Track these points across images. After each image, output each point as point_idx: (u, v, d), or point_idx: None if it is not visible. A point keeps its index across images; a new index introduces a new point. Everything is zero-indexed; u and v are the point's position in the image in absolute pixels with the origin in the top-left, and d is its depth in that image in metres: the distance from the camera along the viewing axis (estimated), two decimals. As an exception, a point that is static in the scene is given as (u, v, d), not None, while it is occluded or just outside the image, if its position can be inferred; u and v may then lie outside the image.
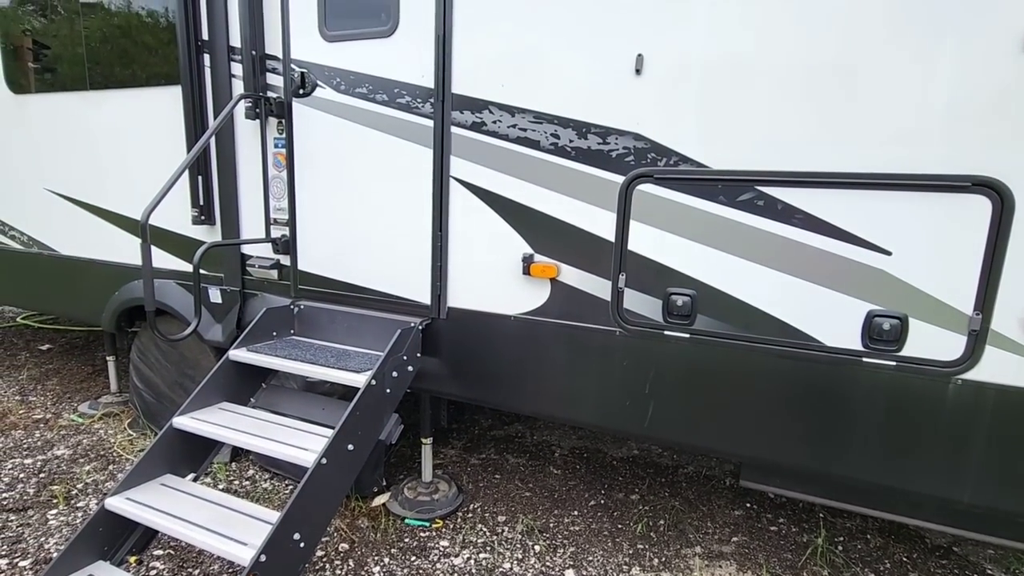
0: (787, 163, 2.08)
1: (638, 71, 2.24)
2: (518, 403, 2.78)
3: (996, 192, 1.83)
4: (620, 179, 2.33)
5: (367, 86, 2.76)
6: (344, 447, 2.33)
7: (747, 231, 2.16)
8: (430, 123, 2.65)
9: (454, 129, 2.62)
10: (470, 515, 3.18)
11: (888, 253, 1.98)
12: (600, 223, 2.40)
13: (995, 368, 1.90)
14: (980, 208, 1.85)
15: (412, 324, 2.75)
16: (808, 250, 2.08)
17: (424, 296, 2.82)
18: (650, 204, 2.30)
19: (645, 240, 2.33)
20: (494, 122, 2.53)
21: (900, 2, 1.88)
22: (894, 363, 2.02)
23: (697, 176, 2.21)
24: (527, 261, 2.54)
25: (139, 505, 2.31)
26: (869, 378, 2.07)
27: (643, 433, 2.49)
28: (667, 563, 2.81)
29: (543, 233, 2.52)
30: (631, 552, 2.89)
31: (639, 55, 2.22)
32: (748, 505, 3.33)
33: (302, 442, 2.37)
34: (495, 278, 2.65)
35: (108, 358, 4.54)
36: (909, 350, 2.00)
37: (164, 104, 3.28)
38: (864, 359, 2.06)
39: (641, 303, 2.38)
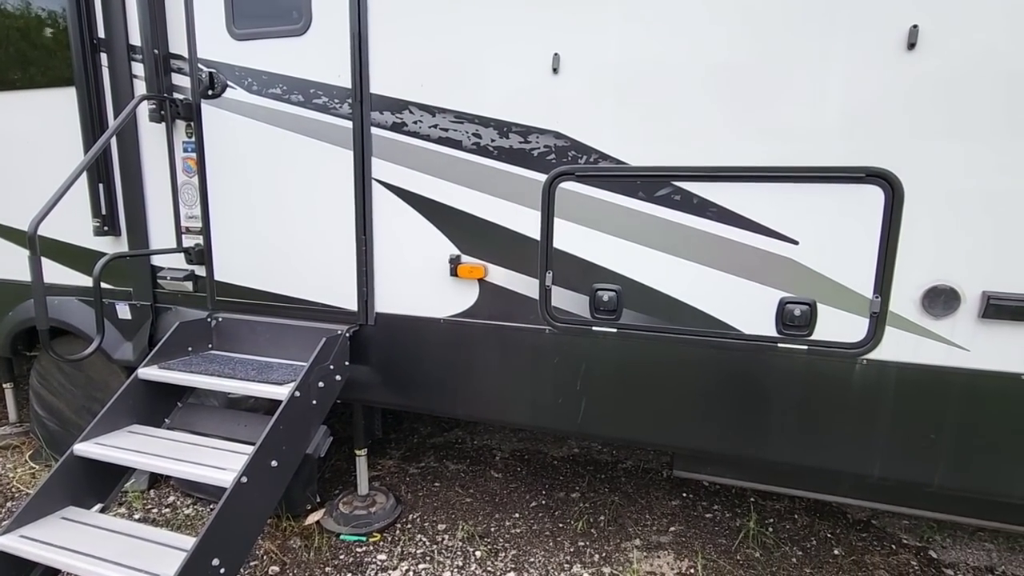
0: (701, 159, 2.14)
1: (555, 70, 2.25)
2: (452, 408, 2.73)
3: (888, 182, 1.95)
4: (543, 177, 2.34)
5: (281, 87, 2.65)
6: (267, 464, 2.20)
7: (666, 225, 2.21)
8: (349, 124, 2.57)
9: (374, 130, 2.55)
10: (409, 526, 3.10)
11: (796, 243, 2.07)
12: (525, 222, 2.39)
13: (895, 347, 2.02)
14: (874, 198, 1.97)
15: (339, 332, 2.65)
16: (723, 242, 2.15)
17: (350, 302, 2.73)
18: (573, 202, 2.31)
19: (570, 237, 2.34)
20: (415, 122, 2.48)
21: (796, 4, 1.97)
22: (806, 347, 2.12)
23: (616, 173, 2.25)
24: (454, 262, 2.51)
25: (35, 543, 2.10)
26: (784, 363, 2.16)
27: (577, 430, 2.50)
28: (607, 558, 2.83)
29: (469, 234, 2.49)
30: (572, 550, 2.89)
31: (555, 54, 2.24)
32: (684, 495, 3.42)
33: (220, 461, 2.23)
34: (423, 281, 2.60)
35: (4, 385, 4.15)
36: (819, 334, 2.10)
37: (60, 107, 3.03)
38: (779, 344, 2.15)
39: (569, 300, 2.39)
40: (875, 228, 1.98)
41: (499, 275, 2.48)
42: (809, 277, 2.08)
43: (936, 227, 1.93)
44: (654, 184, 2.20)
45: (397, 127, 2.51)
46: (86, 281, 3.21)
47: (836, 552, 2.89)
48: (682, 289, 2.24)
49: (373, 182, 2.59)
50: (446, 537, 3.00)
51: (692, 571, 2.73)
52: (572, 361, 2.44)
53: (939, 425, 2.02)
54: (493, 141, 2.38)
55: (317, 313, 2.79)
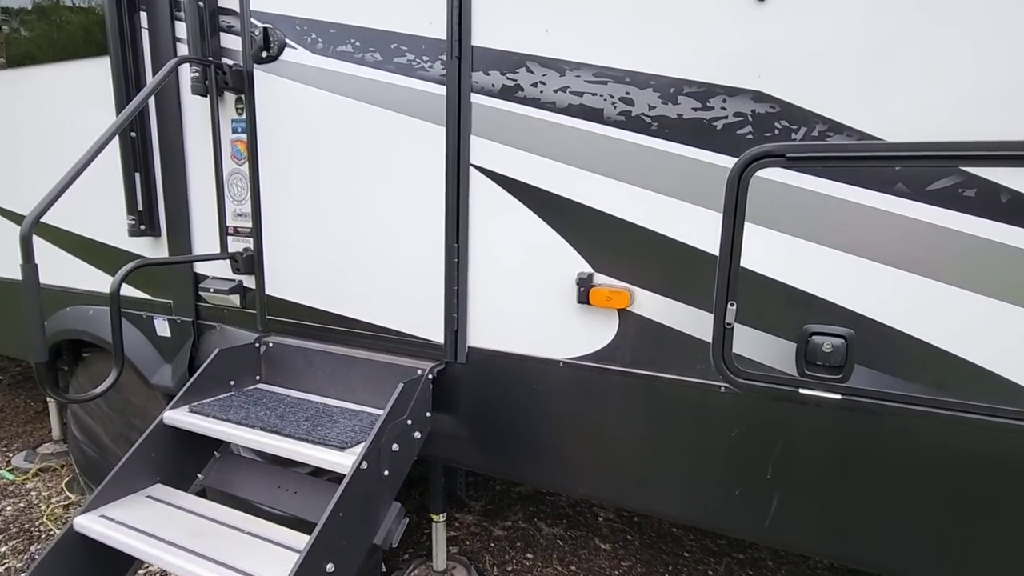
0: (1009, 133, 1.29)
1: (761, -5, 1.46)
2: (568, 483, 1.99)
3: None
4: (731, 162, 1.55)
5: (353, 42, 1.99)
6: (320, 569, 1.54)
7: (943, 238, 1.37)
8: (441, 90, 1.87)
9: (475, 98, 1.84)
10: (497, 616, 2.39)
11: None
12: (697, 228, 1.62)
13: None
14: None
15: (419, 371, 1.97)
16: (1058, 268, 1.29)
17: (435, 333, 2.04)
18: (778, 199, 1.51)
19: (769, 253, 1.54)
20: (534, 85, 1.75)
21: None
22: None
23: (859, 153, 1.43)
24: (585, 284, 1.76)
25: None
26: None
27: (762, 535, 1.70)
28: None
29: (609, 244, 1.73)
30: None
31: (764, -30, 1.45)
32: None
33: (256, 565, 1.58)
34: (536, 308, 1.87)
35: (48, 399, 3.76)
36: None
37: (100, 82, 2.51)
38: None
39: (761, 346, 1.59)
40: None
41: (650, 304, 1.72)
42: None
43: None
44: (928, 171, 1.37)
45: (508, 92, 1.79)
46: (129, 290, 2.69)
47: None
48: (966, 340, 1.39)
49: (471, 169, 1.89)
50: (547, 640, 2.26)
51: None
52: (762, 436, 1.64)
53: None
54: (653, 109, 1.62)
55: (392, 343, 2.12)
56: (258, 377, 2.35)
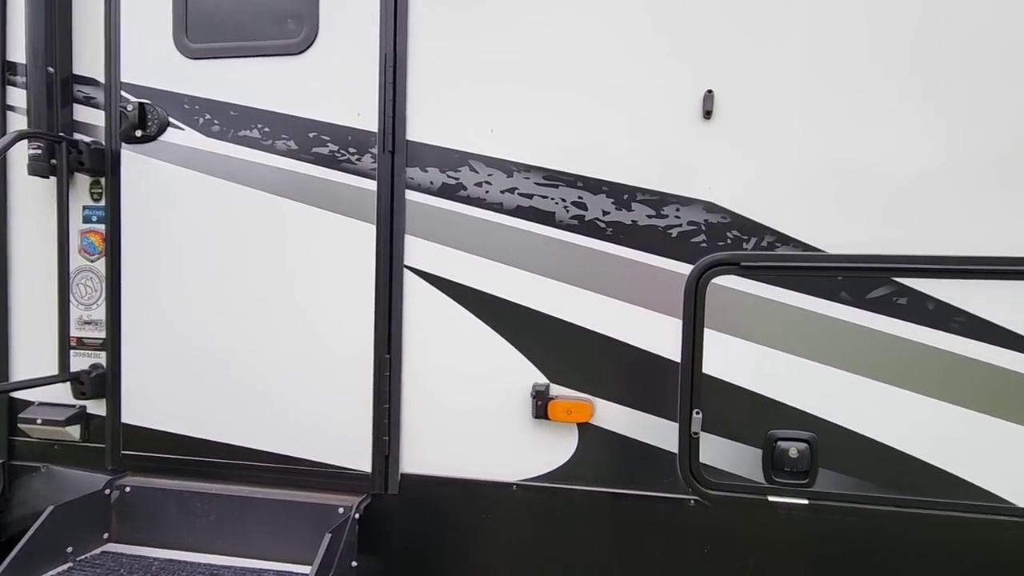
0: (935, 248, 1.45)
1: (707, 114, 1.52)
2: (527, 624, 1.74)
3: None
4: (687, 269, 1.55)
5: (260, 127, 1.73)
6: None
7: (885, 342, 1.47)
8: (371, 185, 1.68)
9: (411, 195, 1.68)
10: None
11: (1092, 369, 1.39)
12: (658, 335, 1.57)
13: None
14: None
15: (341, 510, 1.64)
16: (979, 368, 1.43)
17: (360, 460, 1.73)
18: (735, 305, 1.53)
19: (729, 359, 1.54)
20: (479, 184, 1.64)
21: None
22: (1119, 528, 1.40)
23: (805, 264, 1.51)
24: (542, 397, 1.61)
25: None
26: (1083, 551, 1.42)
27: (742, 660, 1.60)
28: None
29: (566, 353, 1.62)
30: None
31: (708, 91, 1.52)
32: None
33: None
34: (486, 425, 1.67)
35: None
36: None
37: None
38: (1076, 525, 1.41)
39: (728, 455, 1.56)
40: None
41: (613, 416, 1.61)
42: (1117, 420, 1.39)
43: None
44: (866, 281, 1.48)
45: (449, 191, 1.66)
46: None
47: None
48: (917, 440, 1.47)
49: (406, 272, 1.69)
50: None
51: None
52: (734, 549, 1.57)
53: None
54: (607, 215, 1.58)
55: (303, 477, 1.75)
56: (106, 535, 1.79)
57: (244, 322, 1.76)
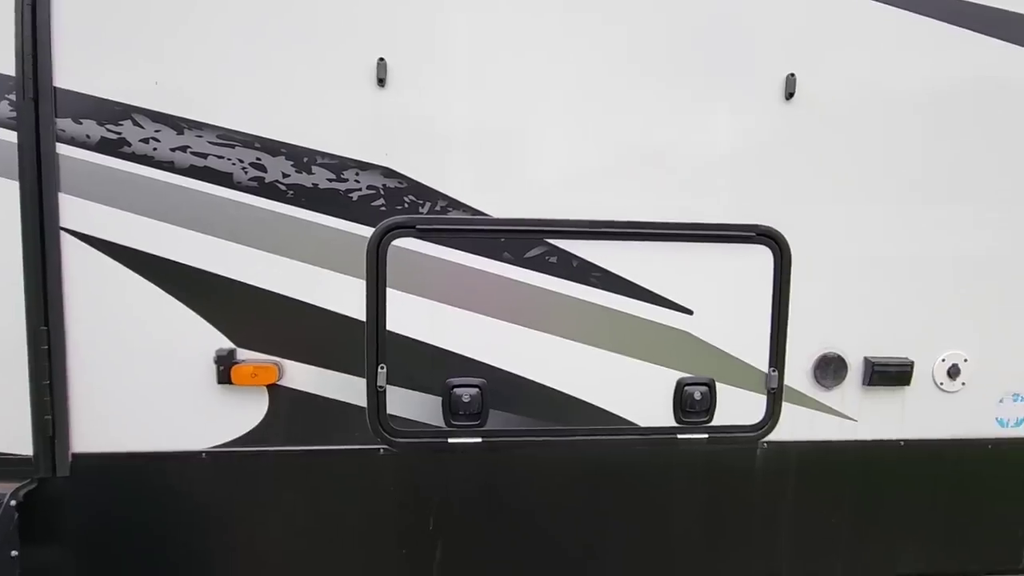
0: (579, 214, 1.68)
1: (381, 82, 1.58)
2: (227, 589, 1.74)
3: (776, 242, 1.74)
4: (368, 231, 1.61)
5: None
6: None
7: (540, 296, 1.68)
8: (11, 137, 1.48)
9: (64, 149, 1.51)
10: None
11: (690, 312, 1.73)
12: (343, 296, 1.63)
13: (792, 426, 1.80)
14: (765, 259, 1.74)
15: (-7, 500, 1.48)
16: (611, 315, 1.70)
17: (19, 443, 1.56)
18: (414, 266, 1.63)
19: (410, 316, 1.65)
20: (145, 141, 1.53)
21: (676, 48, 1.67)
22: (706, 436, 1.77)
23: (473, 227, 1.65)
24: (225, 362, 1.59)
25: None
26: (684, 457, 1.79)
27: (431, 587, 1.77)
28: None
29: (250, 316, 1.61)
30: None
31: (380, 59, 1.57)
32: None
33: None
34: (167, 395, 1.61)
35: None
36: (719, 419, 1.77)
37: None
38: (679, 436, 1.76)
39: (412, 405, 1.68)
40: (767, 294, 1.75)
41: (302, 376, 1.65)
42: (706, 353, 1.75)
43: (822, 291, 1.77)
44: (524, 241, 1.66)
45: (111, 147, 1.52)
46: None
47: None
48: (564, 377, 1.72)
49: (63, 235, 1.53)
50: None
51: None
52: (420, 491, 1.71)
53: (836, 505, 1.86)
54: (287, 177, 1.58)
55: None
56: None
57: None
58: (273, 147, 1.57)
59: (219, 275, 1.59)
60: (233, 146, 1.56)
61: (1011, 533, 1.92)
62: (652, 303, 1.71)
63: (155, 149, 1.53)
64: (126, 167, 1.53)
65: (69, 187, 1.52)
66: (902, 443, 1.84)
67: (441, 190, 1.63)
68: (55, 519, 1.60)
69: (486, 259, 1.66)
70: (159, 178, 1.54)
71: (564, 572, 1.82)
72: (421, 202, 1.63)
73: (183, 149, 1.54)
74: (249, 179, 1.57)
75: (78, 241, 1.54)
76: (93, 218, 1.54)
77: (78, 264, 1.54)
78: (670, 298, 1.72)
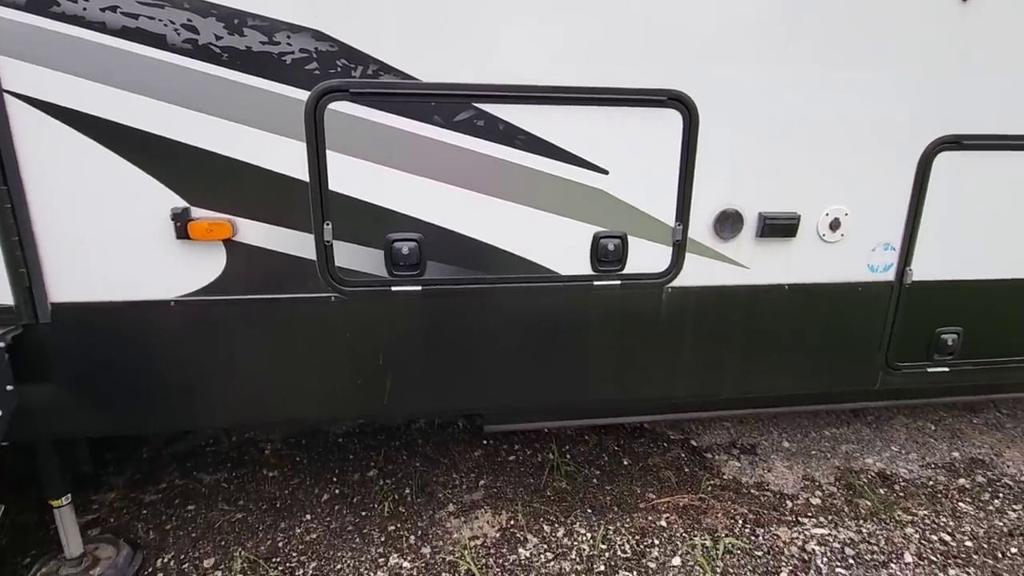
0: (502, 77, 1.80)
1: (306, -61, 1.60)
2: (207, 418, 2.04)
3: (685, 106, 1.90)
4: (304, 95, 1.72)
5: None
6: None
7: (469, 157, 1.84)
8: (-67, -6, 1.51)
9: (-4, 9, 1.54)
10: (161, 574, 2.32)
11: (606, 172, 1.92)
12: (287, 157, 1.76)
13: (693, 273, 2.07)
14: (674, 122, 1.91)
15: (-14, 343, 1.67)
16: (535, 175, 1.89)
17: (2, 295, 1.73)
18: (351, 128, 1.76)
19: (351, 176, 1.81)
20: (74, 0, 1.56)
21: None
22: (619, 282, 2.04)
23: (405, 91, 1.76)
24: (181, 219, 1.74)
25: None
26: (600, 301, 2.06)
27: (384, 412, 2.11)
28: (424, 535, 2.55)
29: (200, 177, 1.74)
30: (383, 539, 2.52)
31: (305, -86, 1.59)
32: (485, 443, 3.30)
33: None
34: (133, 249, 1.77)
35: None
36: (630, 267, 2.03)
37: None
38: (595, 283, 2.03)
39: (358, 257, 1.88)
40: (676, 155, 1.95)
41: (255, 232, 1.82)
42: (620, 209, 1.97)
43: (724, 152, 1.97)
44: (452, 105, 1.79)
45: (39, 6, 1.55)
46: None
47: (626, 463, 3.12)
48: (494, 232, 1.93)
49: (7, 97, 1.60)
50: (219, 574, 2.33)
51: (513, 522, 2.63)
52: (370, 332, 1.97)
53: (728, 339, 2.19)
54: (219, 39, 1.64)
55: (-65, 316, 1.72)
56: None
57: None
58: (203, 8, 1.62)
59: (164, 137, 1.69)
60: (163, 6, 1.60)
61: (870, 359, 2.30)
62: (572, 163, 1.89)
63: (85, 9, 1.57)
64: (59, 28, 1.57)
65: (8, 49, 1.57)
66: (787, 287, 2.14)
67: (372, 54, 1.72)
68: (42, 360, 1.81)
69: (418, 122, 1.79)
70: (93, 39, 1.59)
71: (496, 396, 2.15)
72: (353, 66, 1.72)
73: (113, 9, 1.58)
74: (183, 41, 1.63)
75: (23, 103, 1.61)
76: (33, 81, 1.60)
77: (27, 127, 1.63)
78: (588, 159, 1.90)
